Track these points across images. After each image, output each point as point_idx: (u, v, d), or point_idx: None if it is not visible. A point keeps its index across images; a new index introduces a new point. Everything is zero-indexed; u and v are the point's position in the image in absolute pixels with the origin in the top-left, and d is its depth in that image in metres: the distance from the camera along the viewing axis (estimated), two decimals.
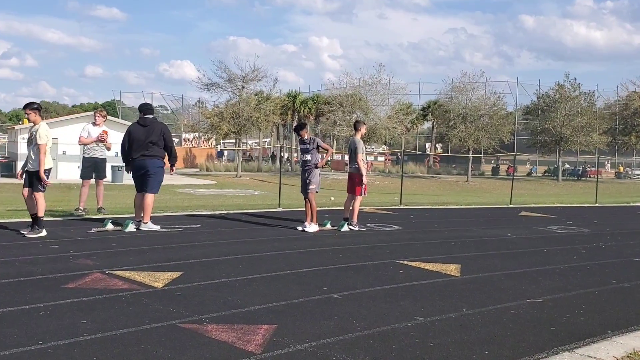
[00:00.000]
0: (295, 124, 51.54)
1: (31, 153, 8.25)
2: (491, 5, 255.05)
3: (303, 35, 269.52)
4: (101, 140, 10.65)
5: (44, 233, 8.17)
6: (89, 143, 10.70)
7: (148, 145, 9.04)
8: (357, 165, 10.23)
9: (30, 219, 8.39)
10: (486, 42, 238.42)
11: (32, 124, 8.39)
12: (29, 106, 8.27)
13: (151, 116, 9.33)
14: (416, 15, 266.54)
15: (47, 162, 8.17)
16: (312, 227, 9.75)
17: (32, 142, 8.25)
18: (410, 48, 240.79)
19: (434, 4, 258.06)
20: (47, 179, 8.21)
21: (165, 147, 9.16)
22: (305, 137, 9.90)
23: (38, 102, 8.66)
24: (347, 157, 10.47)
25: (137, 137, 9.13)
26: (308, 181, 9.88)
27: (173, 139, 9.55)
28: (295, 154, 57.39)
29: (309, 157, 9.86)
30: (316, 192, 9.93)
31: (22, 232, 8.24)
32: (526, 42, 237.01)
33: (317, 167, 9.94)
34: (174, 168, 9.55)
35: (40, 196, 8.21)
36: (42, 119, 8.49)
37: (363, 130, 10.53)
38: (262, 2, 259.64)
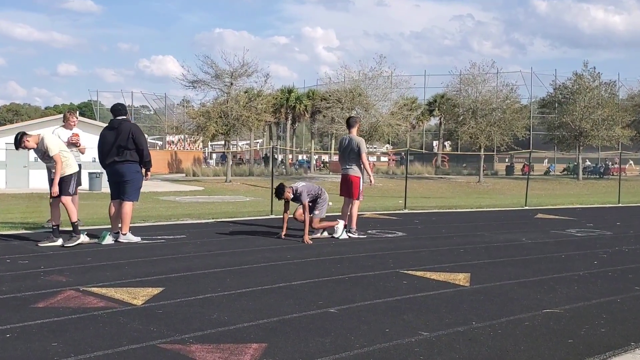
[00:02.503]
0: (289, 123, 51.98)
1: (52, 168, 8.87)
2: None
3: (295, 25, 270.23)
4: (73, 144, 10.62)
5: (81, 239, 8.73)
6: None
7: (118, 149, 9.05)
8: (354, 166, 10.25)
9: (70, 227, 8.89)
10: (495, 30, 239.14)
11: (35, 146, 8.70)
12: (18, 143, 8.59)
13: (122, 117, 9.34)
14: (419, 2, 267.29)
15: (70, 168, 8.82)
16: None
17: (47, 157, 8.75)
18: (413, 37, 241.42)
19: None
20: (74, 183, 8.89)
21: (137, 150, 9.16)
22: (291, 196, 9.79)
23: (20, 132, 8.84)
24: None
25: (106, 141, 9.18)
26: (317, 211, 9.92)
27: (145, 139, 9.53)
28: (290, 156, 57.54)
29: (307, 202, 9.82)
30: (319, 217, 9.92)
31: (65, 244, 8.61)
32: (539, 29, 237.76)
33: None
34: (148, 173, 9.52)
35: (67, 201, 8.74)
36: (37, 135, 8.74)
37: (357, 127, 10.61)
38: None
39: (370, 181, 10.47)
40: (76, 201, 10.78)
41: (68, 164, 8.81)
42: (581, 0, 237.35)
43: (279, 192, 9.76)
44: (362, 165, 10.27)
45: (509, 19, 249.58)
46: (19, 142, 8.60)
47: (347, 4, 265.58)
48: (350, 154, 10.34)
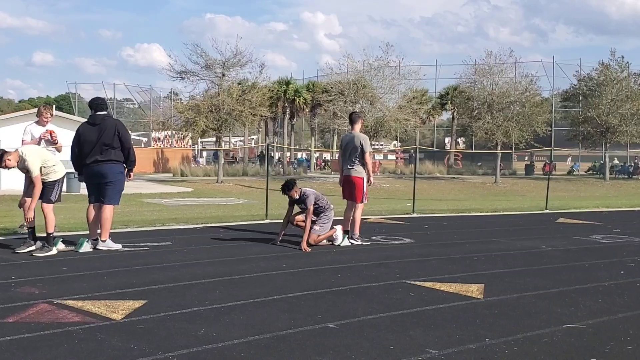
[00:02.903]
0: (287, 118, 52.06)
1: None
2: None
3: (294, 10, 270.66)
4: (51, 142, 10.63)
5: (53, 252, 8.70)
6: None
7: (102, 147, 9.06)
8: (358, 167, 10.29)
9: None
10: (514, 15, 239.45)
11: (15, 165, 8.70)
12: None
13: (103, 112, 9.35)
14: None
15: (56, 174, 8.91)
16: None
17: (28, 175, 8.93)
18: (423, 24, 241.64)
19: None
20: (58, 189, 8.97)
21: (122, 149, 9.17)
22: (296, 197, 9.84)
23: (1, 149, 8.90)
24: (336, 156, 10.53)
25: (87, 139, 9.14)
26: (317, 227, 9.90)
27: (132, 137, 9.55)
28: (288, 154, 57.61)
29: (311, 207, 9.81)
30: (318, 234, 9.91)
31: (35, 253, 8.64)
32: (562, 14, 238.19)
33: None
34: (131, 173, 9.54)
35: (48, 209, 8.81)
36: (15, 151, 8.73)
37: (361, 123, 10.66)
38: None
39: (370, 182, 10.49)
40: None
41: (53, 170, 8.86)
42: None
43: (287, 186, 9.81)
44: (364, 165, 10.31)
45: (529, 3, 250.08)
46: (1, 163, 8.59)
47: None
48: (352, 152, 10.36)
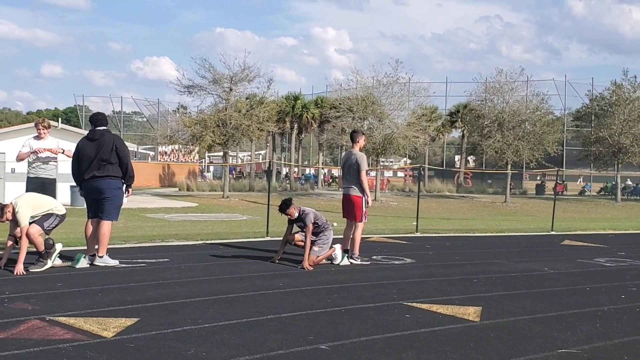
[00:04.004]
0: (294, 133, 52.19)
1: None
2: None
3: (304, 25, 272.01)
4: (57, 152, 10.68)
5: (49, 265, 8.85)
6: (41, 155, 10.70)
7: (99, 163, 9.14)
8: (355, 185, 10.33)
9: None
10: (527, 33, 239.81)
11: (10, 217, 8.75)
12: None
13: (102, 128, 9.43)
14: (441, 1, 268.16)
15: (55, 212, 9.04)
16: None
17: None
18: (435, 40, 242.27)
19: None
20: (54, 222, 9.04)
21: (120, 165, 9.25)
22: (295, 215, 9.86)
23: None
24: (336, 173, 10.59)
25: (85, 154, 9.25)
26: (316, 247, 9.92)
27: (129, 153, 9.59)
28: (295, 169, 57.68)
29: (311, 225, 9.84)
30: (317, 255, 9.92)
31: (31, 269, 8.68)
32: (576, 32, 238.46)
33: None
34: (130, 190, 9.60)
35: (35, 233, 8.70)
36: (10, 204, 8.76)
37: (362, 142, 10.68)
38: None
39: (368, 202, 10.48)
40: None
41: (50, 211, 8.91)
42: (622, 1, 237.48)
43: (284, 205, 9.81)
44: (361, 184, 10.35)
45: (542, 20, 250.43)
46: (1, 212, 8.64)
47: (362, 3, 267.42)
48: (350, 170, 10.42)
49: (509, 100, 40.55)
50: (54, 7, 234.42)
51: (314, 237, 9.88)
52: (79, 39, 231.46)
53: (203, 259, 10.34)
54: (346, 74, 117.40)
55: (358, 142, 10.63)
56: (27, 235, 8.58)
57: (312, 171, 61.55)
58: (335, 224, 16.48)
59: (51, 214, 8.90)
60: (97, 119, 9.55)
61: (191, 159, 56.02)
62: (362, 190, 10.40)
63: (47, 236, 9.10)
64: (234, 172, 59.11)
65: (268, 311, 6.69)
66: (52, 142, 10.89)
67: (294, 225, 10.03)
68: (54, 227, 9.01)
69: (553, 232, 17.16)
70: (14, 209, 8.63)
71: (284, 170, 58.72)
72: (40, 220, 8.79)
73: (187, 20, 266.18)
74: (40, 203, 8.95)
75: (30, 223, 8.63)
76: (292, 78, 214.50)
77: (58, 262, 8.98)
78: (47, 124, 10.93)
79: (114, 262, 9.23)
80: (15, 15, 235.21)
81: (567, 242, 14.62)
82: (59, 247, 9.10)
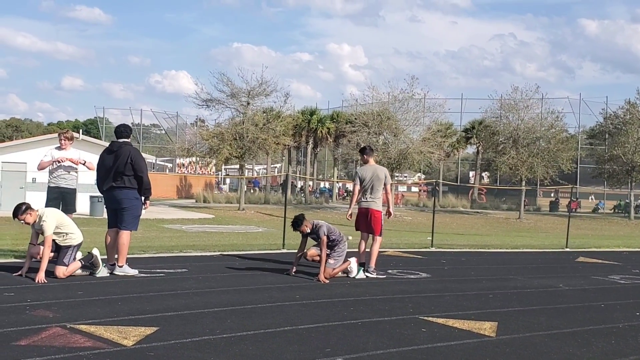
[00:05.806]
0: (310, 147, 52.26)
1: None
2: (545, 6, 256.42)
3: (320, 41, 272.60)
4: (78, 163, 10.74)
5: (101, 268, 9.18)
6: (63, 163, 10.76)
7: (116, 174, 9.20)
8: (377, 200, 10.46)
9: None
10: (541, 51, 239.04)
11: (31, 222, 8.84)
12: (19, 212, 8.72)
13: (122, 140, 9.49)
14: (456, 18, 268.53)
15: (73, 240, 9.05)
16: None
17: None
18: (449, 57, 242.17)
19: (477, 5, 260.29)
20: (72, 254, 9.05)
21: (135, 176, 9.29)
22: (308, 230, 9.86)
23: (26, 203, 8.99)
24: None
25: (104, 165, 9.35)
26: (332, 260, 9.91)
27: (146, 165, 9.60)
28: (310, 183, 57.72)
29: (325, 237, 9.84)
30: (333, 267, 9.90)
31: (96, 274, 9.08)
32: (589, 51, 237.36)
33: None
34: (147, 202, 9.63)
35: (60, 272, 8.78)
36: (35, 210, 8.86)
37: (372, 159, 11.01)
38: (270, 2, 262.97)
39: (391, 213, 10.86)
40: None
41: (70, 237, 8.94)
42: (635, 21, 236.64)
43: (297, 222, 9.81)
44: (387, 198, 10.68)
45: (555, 39, 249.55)
46: (20, 213, 8.72)
47: (377, 19, 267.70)
48: (374, 184, 10.48)
49: (524, 117, 40.44)
50: (75, 21, 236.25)
51: (329, 250, 9.87)
52: (99, 52, 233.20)
53: (220, 269, 10.36)
54: (361, 89, 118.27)
55: (373, 156, 10.79)
56: (55, 274, 8.67)
57: (327, 185, 61.60)
58: (350, 237, 16.49)
59: (69, 246, 8.89)
60: (120, 130, 9.61)
61: (208, 171, 56.25)
62: (387, 203, 10.71)
63: (80, 256, 9.21)
64: (259, 185, 59.25)
65: (285, 323, 6.69)
66: (73, 152, 10.96)
67: (308, 237, 10.02)
68: (74, 259, 9.03)
69: (567, 249, 17.06)
70: (40, 217, 8.69)
71: (299, 184, 58.76)
72: (60, 258, 8.79)
73: (205, 35, 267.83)
74: (63, 222, 9.01)
75: (56, 262, 8.76)
76: (308, 93, 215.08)
77: (79, 271, 9.02)
78: (69, 135, 10.98)
79: (134, 272, 9.27)
80: (38, 29, 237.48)
81: (582, 259, 14.53)
82: (95, 252, 9.19)
